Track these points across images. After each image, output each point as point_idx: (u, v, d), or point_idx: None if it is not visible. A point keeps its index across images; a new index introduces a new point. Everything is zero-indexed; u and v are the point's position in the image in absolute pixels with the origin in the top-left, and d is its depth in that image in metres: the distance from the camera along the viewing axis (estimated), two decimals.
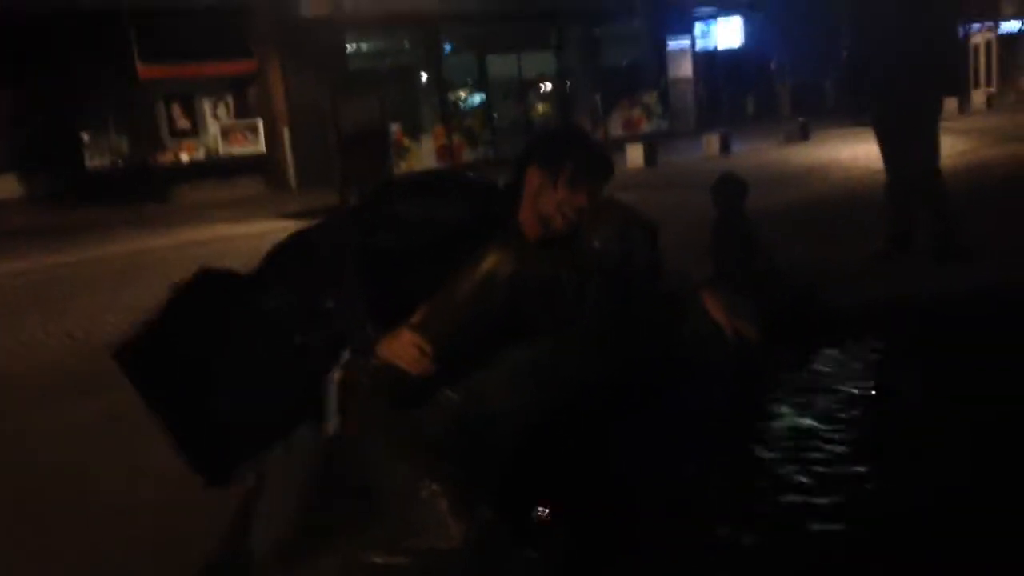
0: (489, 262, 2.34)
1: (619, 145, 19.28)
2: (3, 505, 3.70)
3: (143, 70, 17.06)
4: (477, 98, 22.26)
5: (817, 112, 23.89)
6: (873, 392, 3.96)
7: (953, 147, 9.65)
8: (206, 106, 18.56)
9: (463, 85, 22.24)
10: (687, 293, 3.02)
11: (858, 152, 14.73)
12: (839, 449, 3.36)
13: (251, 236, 11.10)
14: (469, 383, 2.49)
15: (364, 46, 20.25)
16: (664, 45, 25.81)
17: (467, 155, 21.04)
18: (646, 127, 24.57)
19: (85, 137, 17.29)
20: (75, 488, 3.84)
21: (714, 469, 3.37)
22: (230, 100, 18.74)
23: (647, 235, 2.57)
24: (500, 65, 22.27)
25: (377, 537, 2.31)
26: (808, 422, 3.61)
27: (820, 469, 3.20)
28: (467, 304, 2.34)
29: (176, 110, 18.24)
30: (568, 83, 23.44)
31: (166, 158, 17.88)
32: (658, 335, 2.82)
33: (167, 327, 2.42)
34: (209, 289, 2.45)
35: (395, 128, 19.09)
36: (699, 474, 3.30)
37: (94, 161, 17.42)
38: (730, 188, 5.24)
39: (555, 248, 2.56)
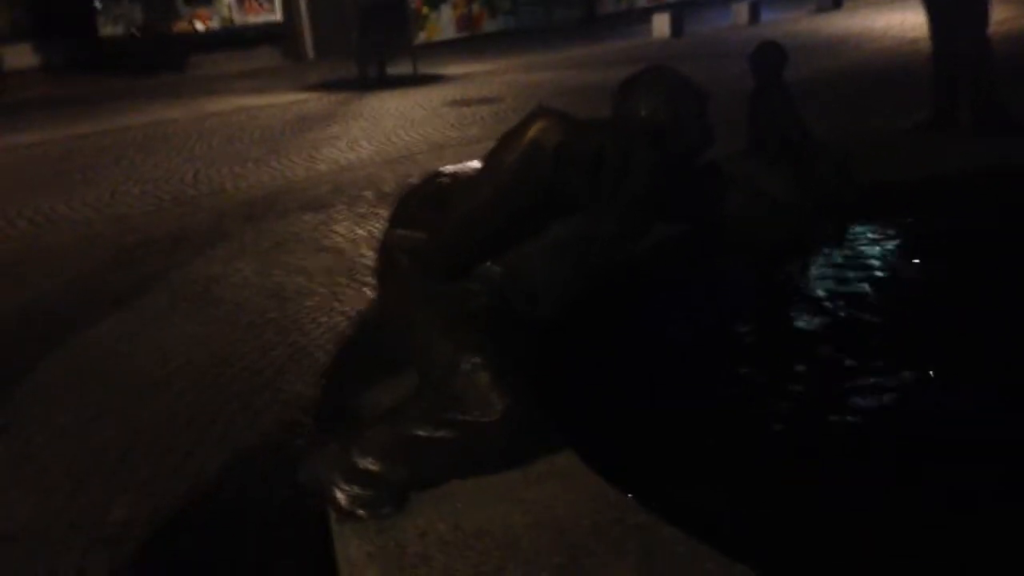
0: (534, 131, 2.23)
1: (645, 15, 18.67)
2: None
3: None
4: None
5: None
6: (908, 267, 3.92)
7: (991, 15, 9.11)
8: None
9: None
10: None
11: (891, 21, 14.26)
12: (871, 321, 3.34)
13: (273, 107, 10.93)
14: (510, 257, 2.42)
15: None
16: None
17: (488, 25, 20.45)
18: None
19: (98, 4, 16.84)
20: (111, 360, 3.87)
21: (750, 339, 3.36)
22: None
23: (696, 102, 2.44)
24: None
25: (420, 411, 2.29)
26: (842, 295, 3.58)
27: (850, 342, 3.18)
28: (512, 175, 2.25)
29: None
30: None
31: (181, 27, 17.46)
32: (704, 207, 2.72)
33: None
34: None
35: None
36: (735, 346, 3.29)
37: (107, 30, 17.02)
38: (769, 56, 5.03)
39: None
